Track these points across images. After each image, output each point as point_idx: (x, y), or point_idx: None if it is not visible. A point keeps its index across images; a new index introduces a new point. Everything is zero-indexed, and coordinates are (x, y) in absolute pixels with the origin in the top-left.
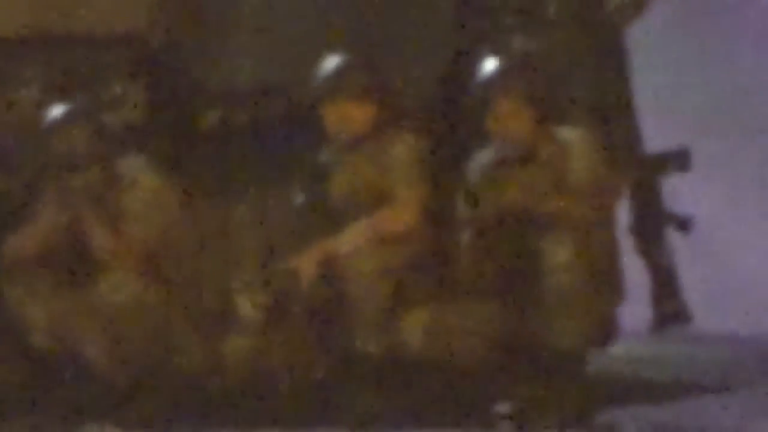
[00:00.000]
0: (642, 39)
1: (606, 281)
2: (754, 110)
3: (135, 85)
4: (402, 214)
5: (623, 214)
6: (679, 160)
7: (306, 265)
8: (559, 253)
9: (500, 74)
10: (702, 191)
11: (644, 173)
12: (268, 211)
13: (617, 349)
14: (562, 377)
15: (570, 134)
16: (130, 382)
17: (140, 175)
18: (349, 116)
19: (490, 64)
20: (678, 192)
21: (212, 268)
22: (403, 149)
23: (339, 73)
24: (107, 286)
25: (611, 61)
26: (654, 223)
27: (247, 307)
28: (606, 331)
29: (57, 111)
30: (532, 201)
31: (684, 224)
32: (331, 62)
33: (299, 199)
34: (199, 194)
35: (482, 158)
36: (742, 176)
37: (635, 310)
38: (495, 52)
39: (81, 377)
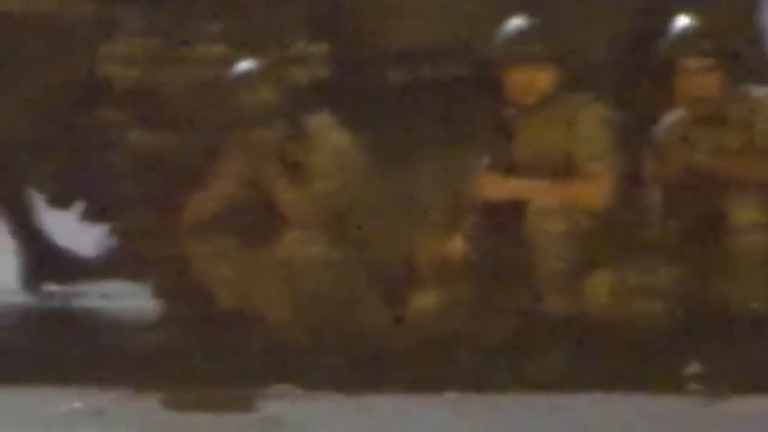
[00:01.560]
0: None
1: None
2: None
3: (320, 41)
4: (596, 194)
5: None
6: None
7: (489, 187)
8: (746, 214)
9: (691, 32)
10: None
11: None
12: (452, 171)
13: None
14: (751, 340)
15: (762, 93)
16: (314, 342)
17: (327, 132)
18: (530, 81)
19: (680, 22)
20: None
21: (397, 227)
22: (592, 120)
23: (518, 37)
24: (292, 243)
25: None
26: None
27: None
28: None
29: (242, 66)
30: (721, 162)
31: None
32: (511, 25)
33: (483, 160)
34: (384, 152)
35: (670, 119)
36: None
37: None
38: (683, 8)
39: (264, 338)
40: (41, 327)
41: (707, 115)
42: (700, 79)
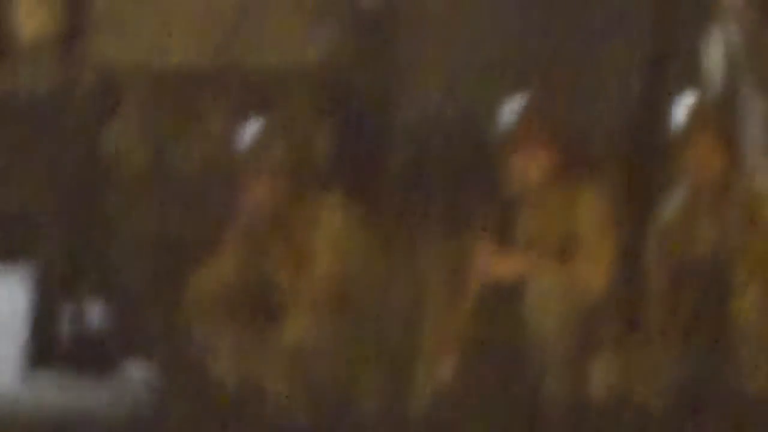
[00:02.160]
0: None
1: None
2: None
3: (325, 121)
4: (597, 277)
5: None
6: None
7: (491, 265)
8: (750, 296)
9: (695, 113)
10: None
11: None
12: (454, 250)
13: None
14: (754, 422)
15: (764, 174)
16: (313, 421)
17: (329, 213)
18: (527, 165)
19: (687, 102)
20: None
21: (399, 307)
22: (592, 204)
23: (517, 122)
24: (292, 324)
25: None
26: None
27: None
28: None
29: (245, 146)
30: (724, 242)
31: None
32: (510, 108)
33: (486, 238)
34: (386, 232)
35: (674, 199)
36: None
37: None
38: (692, 91)
39: (265, 418)
40: None
41: (712, 196)
42: (705, 159)
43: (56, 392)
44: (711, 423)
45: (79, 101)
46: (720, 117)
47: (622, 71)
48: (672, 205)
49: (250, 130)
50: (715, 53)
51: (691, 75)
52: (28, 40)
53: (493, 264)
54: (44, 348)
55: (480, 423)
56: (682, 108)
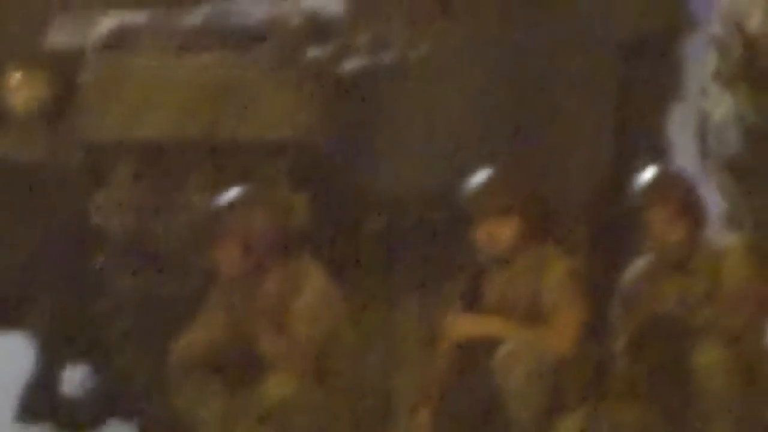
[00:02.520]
0: None
1: (760, 387)
2: None
3: (302, 190)
4: (563, 340)
5: None
6: None
7: (461, 328)
8: (711, 358)
9: (658, 183)
10: None
11: None
12: (427, 313)
13: None
14: None
15: (725, 241)
16: None
17: (310, 279)
18: (495, 232)
19: (647, 174)
20: None
21: (374, 368)
22: (558, 270)
23: (484, 191)
24: (273, 385)
25: None
26: None
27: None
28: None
29: (226, 214)
30: (686, 308)
31: None
32: (479, 178)
33: (456, 303)
34: (362, 295)
35: (638, 266)
36: None
37: None
38: (651, 163)
39: None
40: None
41: (672, 260)
42: (668, 226)
43: None
44: None
45: (67, 171)
46: (682, 188)
47: (589, 144)
48: (636, 270)
49: (231, 198)
50: (676, 128)
51: (655, 148)
52: (19, 112)
53: (465, 325)
54: (35, 408)
55: None
56: (646, 179)
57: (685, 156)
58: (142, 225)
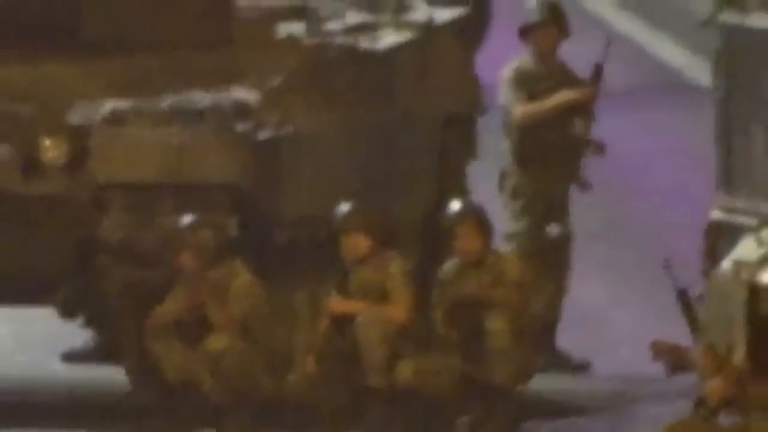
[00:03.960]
0: None
1: (529, 342)
2: None
3: (233, 215)
4: (399, 313)
5: None
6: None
7: (335, 306)
8: (497, 324)
9: (463, 209)
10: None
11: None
12: (315, 297)
13: (536, 384)
14: (501, 401)
15: (506, 250)
16: (227, 401)
17: (239, 273)
18: (353, 245)
19: (455, 205)
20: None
21: (281, 331)
22: (396, 267)
23: (346, 215)
24: (213, 341)
25: None
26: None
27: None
28: (528, 373)
29: (186, 231)
30: (481, 291)
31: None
32: (344, 206)
33: (332, 291)
34: (273, 285)
35: (449, 264)
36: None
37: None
38: (459, 197)
39: (196, 399)
40: None
41: (471, 263)
42: (469, 238)
43: None
44: (472, 402)
45: (81, 203)
46: (478, 214)
47: (421, 185)
48: (449, 266)
49: (188, 220)
50: (476, 174)
51: (461, 188)
52: (47, 162)
53: (336, 305)
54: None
55: (330, 398)
56: (456, 207)
57: (482, 193)
58: (131, 237)
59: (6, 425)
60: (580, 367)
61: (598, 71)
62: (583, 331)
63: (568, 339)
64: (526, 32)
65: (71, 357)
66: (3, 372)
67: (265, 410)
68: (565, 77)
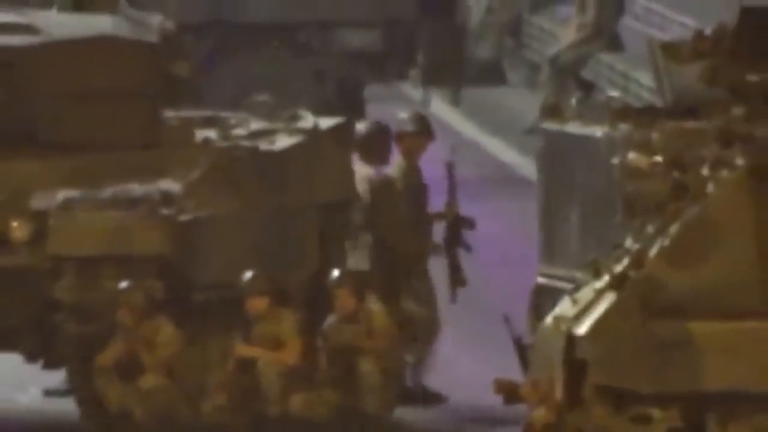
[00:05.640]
0: None
1: (393, 381)
2: None
3: (160, 279)
4: (291, 356)
5: None
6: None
7: (241, 351)
8: (369, 366)
9: (340, 277)
10: None
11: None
12: (226, 344)
13: (399, 413)
14: (372, 426)
15: (374, 306)
16: (155, 427)
17: (165, 326)
18: (255, 303)
19: (335, 273)
20: None
21: (198, 371)
22: (288, 321)
23: (249, 281)
24: (145, 380)
25: None
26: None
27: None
28: (392, 404)
29: (124, 294)
30: (356, 340)
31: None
32: (248, 274)
33: (238, 340)
34: (194, 334)
35: (330, 319)
36: None
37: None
38: (338, 267)
39: (131, 426)
40: None
41: (347, 318)
42: (347, 299)
43: None
44: (349, 427)
45: (41, 271)
46: (352, 281)
47: (307, 256)
48: (331, 320)
49: (125, 284)
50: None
51: (341, 259)
52: (17, 239)
53: (241, 350)
54: None
55: (237, 424)
56: (335, 275)
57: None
58: (81, 299)
59: None
60: (437, 399)
61: (449, 169)
62: (440, 372)
63: (429, 378)
64: (399, 138)
65: (51, 393)
66: None
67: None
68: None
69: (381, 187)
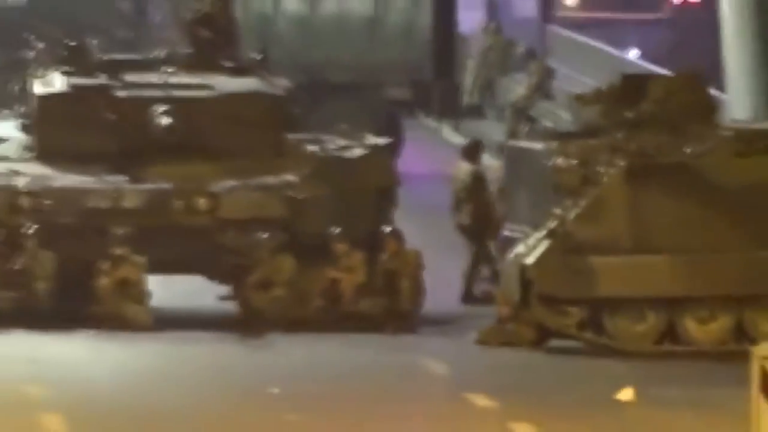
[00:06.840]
0: None
1: (419, 292)
2: None
3: (284, 232)
4: (359, 277)
5: None
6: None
7: (332, 275)
8: (405, 282)
9: (388, 232)
10: None
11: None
12: (323, 272)
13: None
14: (408, 319)
15: (407, 248)
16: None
17: (287, 259)
18: (338, 247)
19: (385, 228)
20: None
21: (304, 287)
22: (358, 256)
23: (335, 233)
24: (276, 291)
25: None
26: None
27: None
28: (420, 305)
29: None
30: (397, 267)
31: None
32: (335, 229)
33: (330, 269)
34: (303, 265)
35: (383, 255)
36: None
37: None
38: (388, 224)
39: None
40: None
41: (392, 255)
42: (387, 245)
43: None
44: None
45: (218, 227)
46: (399, 233)
47: (367, 216)
48: (383, 257)
49: (264, 236)
50: None
51: (389, 216)
52: (201, 209)
53: (332, 274)
54: None
55: (329, 318)
56: (386, 228)
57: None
58: (238, 245)
59: None
60: (487, 300)
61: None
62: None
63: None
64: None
65: (222, 298)
66: None
67: None
68: None
69: (478, 176)
